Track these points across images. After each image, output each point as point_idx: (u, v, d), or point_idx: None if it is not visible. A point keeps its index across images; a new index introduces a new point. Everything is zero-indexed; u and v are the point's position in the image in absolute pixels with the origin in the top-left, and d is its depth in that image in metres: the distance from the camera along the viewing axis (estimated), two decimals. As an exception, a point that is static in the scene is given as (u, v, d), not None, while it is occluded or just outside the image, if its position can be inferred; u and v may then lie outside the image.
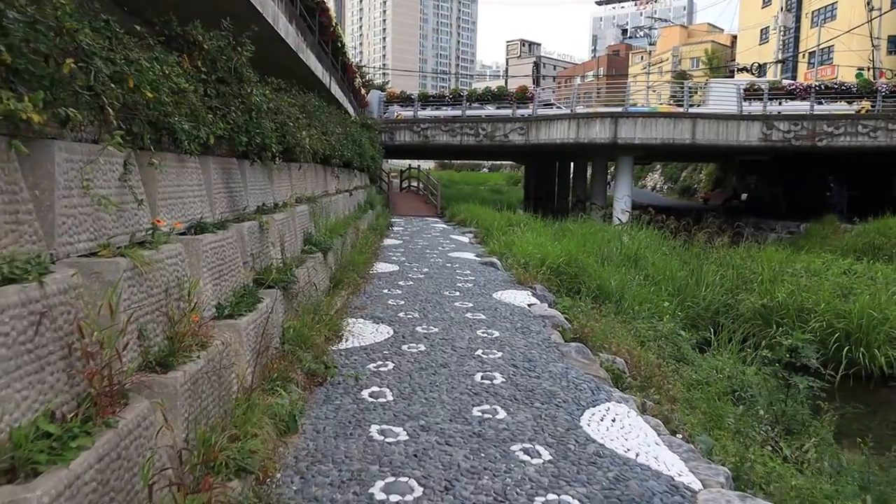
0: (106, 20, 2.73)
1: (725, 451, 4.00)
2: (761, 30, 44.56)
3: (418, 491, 2.77)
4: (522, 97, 23.43)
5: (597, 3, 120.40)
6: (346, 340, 5.15)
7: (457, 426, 3.50)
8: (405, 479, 2.87)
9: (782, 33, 41.35)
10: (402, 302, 6.75)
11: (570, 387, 4.27)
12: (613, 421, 3.71)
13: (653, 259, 11.53)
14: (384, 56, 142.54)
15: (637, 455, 3.25)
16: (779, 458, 4.48)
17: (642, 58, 68.07)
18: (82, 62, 2.31)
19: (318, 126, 8.09)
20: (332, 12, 13.89)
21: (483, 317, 6.21)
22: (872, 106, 20.18)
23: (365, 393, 3.96)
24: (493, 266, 9.67)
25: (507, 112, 23.24)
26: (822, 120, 19.87)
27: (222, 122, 4.00)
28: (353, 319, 5.80)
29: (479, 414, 3.69)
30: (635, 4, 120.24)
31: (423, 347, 5.03)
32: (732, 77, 41.36)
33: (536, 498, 2.76)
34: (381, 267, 9.13)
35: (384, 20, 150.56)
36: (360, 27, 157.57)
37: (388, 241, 12.57)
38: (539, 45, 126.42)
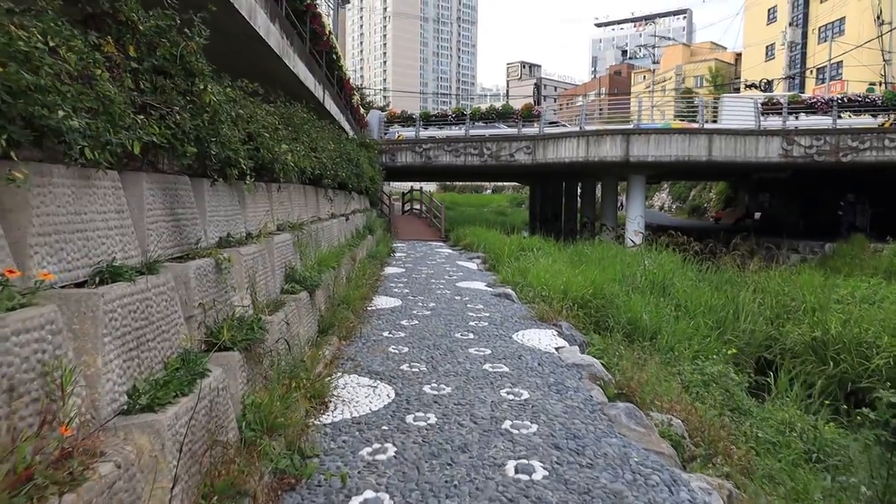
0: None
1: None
2: (767, 46, 43.96)
3: None
4: (528, 114, 22.51)
5: (596, 24, 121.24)
6: (335, 409, 3.97)
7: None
8: None
9: (789, 49, 40.70)
10: (406, 349, 5.58)
11: (638, 481, 3.10)
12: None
13: (682, 286, 10.38)
14: (385, 80, 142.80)
15: None
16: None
17: (644, 77, 67.55)
18: None
19: (306, 141, 7.00)
20: (328, 21, 12.92)
21: (506, 369, 5.03)
22: (896, 119, 19.23)
23: (354, 503, 2.79)
24: (508, 298, 8.53)
25: (513, 131, 22.26)
26: (846, 134, 18.88)
27: (157, 126, 2.90)
28: (346, 376, 4.65)
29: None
30: (634, 26, 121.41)
31: (433, 419, 3.85)
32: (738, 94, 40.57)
33: None
34: (382, 302, 7.98)
35: (384, 44, 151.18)
36: (361, 51, 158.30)
37: (389, 270, 11.45)
38: (539, 66, 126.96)
